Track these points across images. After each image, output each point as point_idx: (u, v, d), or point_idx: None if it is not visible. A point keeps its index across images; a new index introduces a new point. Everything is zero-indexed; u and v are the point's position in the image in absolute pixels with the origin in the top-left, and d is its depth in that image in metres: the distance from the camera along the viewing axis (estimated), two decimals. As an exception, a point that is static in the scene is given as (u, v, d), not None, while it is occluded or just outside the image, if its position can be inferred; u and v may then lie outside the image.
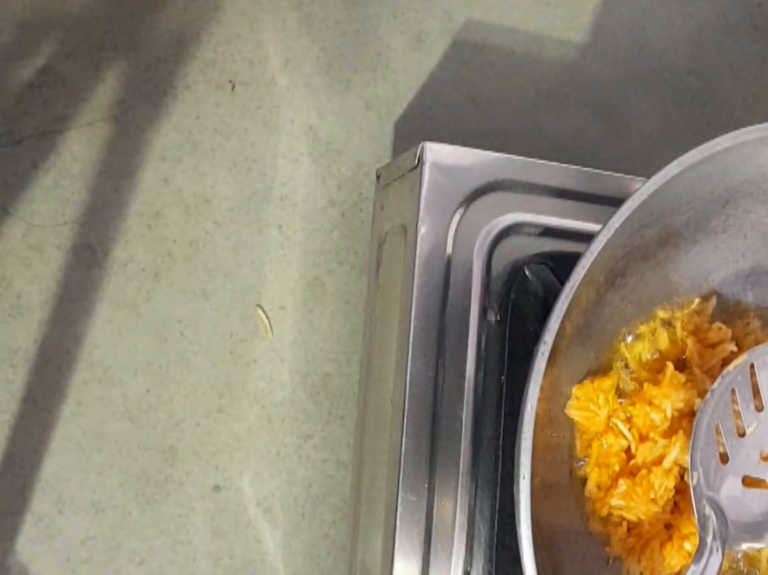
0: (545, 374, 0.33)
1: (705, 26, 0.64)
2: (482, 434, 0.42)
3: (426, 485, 0.42)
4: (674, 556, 0.40)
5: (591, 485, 0.40)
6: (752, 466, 0.37)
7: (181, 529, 0.51)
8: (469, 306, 0.43)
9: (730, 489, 0.36)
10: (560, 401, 0.40)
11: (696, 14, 0.64)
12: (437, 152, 0.43)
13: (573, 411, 0.40)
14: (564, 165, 0.45)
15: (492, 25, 0.60)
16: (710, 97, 0.64)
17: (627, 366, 0.42)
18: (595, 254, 0.33)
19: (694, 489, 0.36)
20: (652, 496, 0.39)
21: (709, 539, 0.35)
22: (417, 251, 0.43)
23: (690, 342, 0.42)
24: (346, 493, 0.53)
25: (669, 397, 0.39)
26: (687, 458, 0.36)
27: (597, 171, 0.46)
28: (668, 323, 0.43)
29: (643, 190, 0.34)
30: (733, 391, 0.37)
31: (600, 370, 0.42)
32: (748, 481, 0.37)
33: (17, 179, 0.50)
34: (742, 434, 0.37)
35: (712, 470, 0.36)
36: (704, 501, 0.35)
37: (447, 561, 0.41)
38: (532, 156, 0.45)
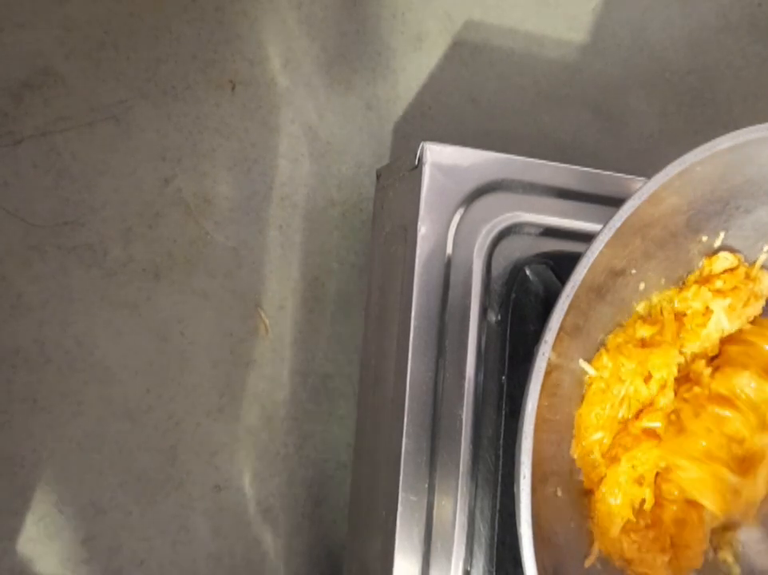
0: (546, 373, 0.33)
1: (705, 26, 0.64)
2: (482, 434, 0.42)
3: (426, 485, 0.41)
4: None
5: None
6: None
7: (181, 529, 0.51)
8: (469, 306, 0.43)
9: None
10: (561, 399, 0.40)
11: (696, 14, 0.64)
12: (437, 152, 0.43)
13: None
14: (564, 165, 0.45)
15: (492, 26, 0.60)
16: (710, 97, 0.64)
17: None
18: (596, 253, 0.33)
19: None
20: None
21: None
22: (417, 251, 0.43)
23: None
24: (346, 493, 0.53)
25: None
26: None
27: (597, 171, 0.46)
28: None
29: (643, 190, 0.34)
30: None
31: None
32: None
33: (17, 179, 0.50)
34: None
35: None
36: None
37: (447, 561, 0.41)
38: (532, 156, 0.45)
